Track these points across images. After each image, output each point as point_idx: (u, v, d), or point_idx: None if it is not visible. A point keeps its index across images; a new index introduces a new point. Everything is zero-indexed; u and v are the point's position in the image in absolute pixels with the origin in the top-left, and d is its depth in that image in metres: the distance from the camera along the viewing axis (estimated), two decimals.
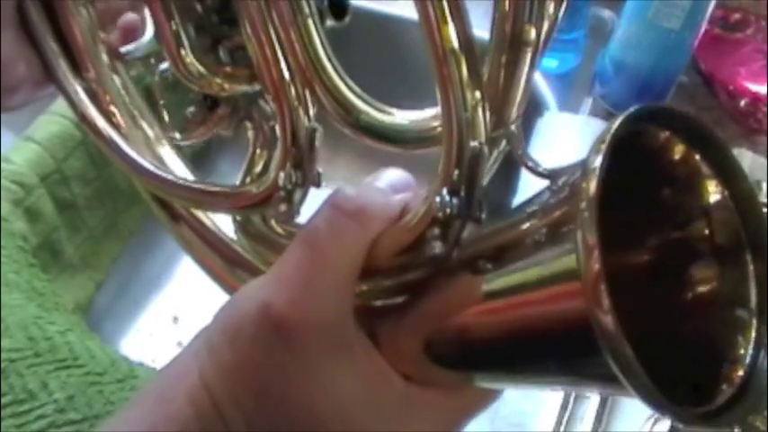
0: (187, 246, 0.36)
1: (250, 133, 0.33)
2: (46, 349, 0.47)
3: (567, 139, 0.70)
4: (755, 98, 0.73)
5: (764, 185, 0.63)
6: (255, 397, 0.25)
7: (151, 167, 0.34)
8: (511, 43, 0.25)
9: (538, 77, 0.76)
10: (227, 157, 0.84)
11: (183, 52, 0.30)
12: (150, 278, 0.77)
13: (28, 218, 0.60)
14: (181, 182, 0.33)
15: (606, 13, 0.83)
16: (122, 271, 0.73)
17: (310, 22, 0.27)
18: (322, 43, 0.27)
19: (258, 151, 0.33)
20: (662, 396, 0.19)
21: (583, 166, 0.20)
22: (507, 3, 0.25)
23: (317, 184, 0.28)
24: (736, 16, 0.81)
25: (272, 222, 0.32)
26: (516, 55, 0.25)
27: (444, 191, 0.24)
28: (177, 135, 0.35)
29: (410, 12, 0.85)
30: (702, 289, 0.23)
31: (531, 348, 0.23)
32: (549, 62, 0.78)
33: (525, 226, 0.23)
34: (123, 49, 0.36)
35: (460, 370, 0.26)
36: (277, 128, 0.31)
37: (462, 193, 0.24)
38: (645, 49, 0.69)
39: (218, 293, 0.36)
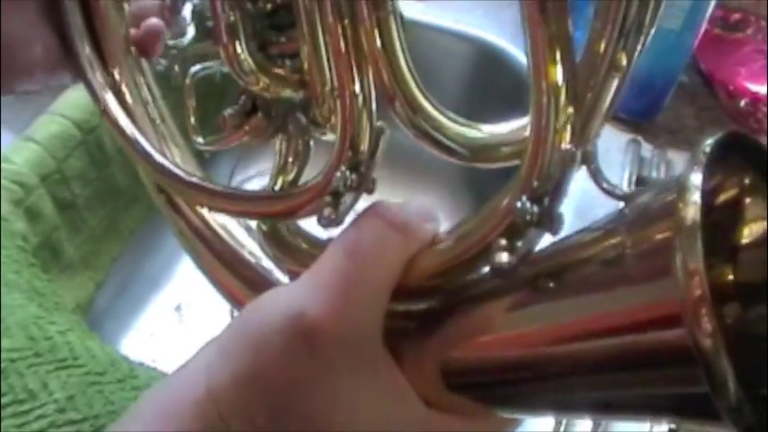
0: (195, 255, 0.36)
1: (280, 144, 0.33)
2: (46, 349, 0.47)
3: None
4: (755, 98, 0.73)
5: None
6: (271, 409, 0.24)
7: (179, 171, 0.33)
8: (600, 68, 0.25)
9: None
10: (228, 158, 0.84)
11: (238, 47, 0.30)
12: (150, 278, 0.77)
13: (28, 218, 0.60)
14: (217, 188, 0.32)
15: None
16: (122, 271, 0.73)
17: (392, 19, 0.27)
18: (402, 46, 0.27)
19: (290, 160, 0.32)
20: (753, 421, 0.19)
21: (679, 188, 0.20)
22: (604, 32, 0.24)
23: (371, 191, 0.27)
24: (736, 16, 0.81)
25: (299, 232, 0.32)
26: (605, 79, 0.25)
27: (524, 198, 0.23)
28: (200, 140, 0.35)
29: (409, 12, 0.85)
30: (729, 323, 0.23)
31: (600, 377, 0.22)
32: None
33: (596, 246, 0.22)
34: (170, 43, 0.36)
35: (494, 402, 0.26)
36: (298, 120, 0.31)
37: (546, 202, 0.23)
38: (645, 49, 0.69)
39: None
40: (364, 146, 0.27)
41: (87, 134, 0.64)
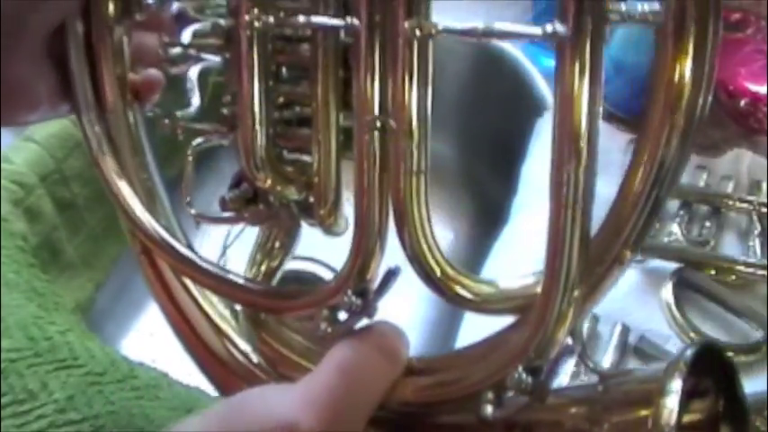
0: (174, 327, 0.36)
1: (269, 227, 0.33)
2: (46, 349, 0.47)
3: None
4: (755, 98, 0.73)
5: (764, 185, 0.64)
6: None
7: (171, 240, 0.34)
8: (610, 252, 0.26)
9: (537, 77, 0.76)
10: (229, 160, 0.84)
11: (258, 146, 0.31)
12: None
13: (28, 218, 0.60)
14: (211, 268, 0.33)
15: None
16: (122, 271, 0.73)
17: (422, 178, 0.27)
18: (426, 196, 0.28)
19: (277, 246, 0.33)
20: None
21: (659, 387, 0.23)
22: (615, 227, 0.25)
23: (371, 317, 0.29)
24: (736, 16, 0.81)
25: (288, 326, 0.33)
26: (608, 269, 0.26)
27: (520, 368, 0.25)
28: (193, 211, 0.35)
29: None
30: None
31: None
32: (549, 62, 0.78)
33: (573, 413, 0.25)
34: (179, 114, 0.36)
35: None
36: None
37: (542, 377, 0.25)
38: (645, 49, 0.69)
39: None
40: (372, 275, 0.28)
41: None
